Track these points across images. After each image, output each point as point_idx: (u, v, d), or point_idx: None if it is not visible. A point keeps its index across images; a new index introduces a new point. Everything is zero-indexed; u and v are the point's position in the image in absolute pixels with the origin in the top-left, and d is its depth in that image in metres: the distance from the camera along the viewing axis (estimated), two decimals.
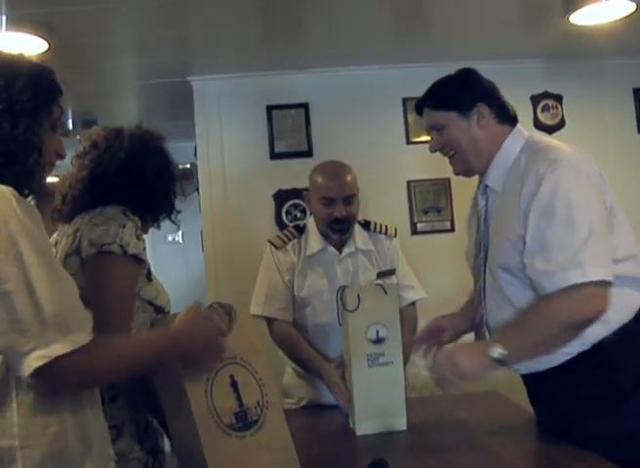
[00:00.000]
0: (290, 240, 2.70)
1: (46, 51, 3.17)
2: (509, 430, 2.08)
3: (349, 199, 2.60)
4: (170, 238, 6.09)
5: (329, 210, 2.58)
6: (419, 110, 2.08)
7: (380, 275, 2.32)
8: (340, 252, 2.67)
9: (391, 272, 2.30)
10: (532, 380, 1.96)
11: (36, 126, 1.39)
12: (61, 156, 1.50)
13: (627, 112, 4.50)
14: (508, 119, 1.98)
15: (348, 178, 2.62)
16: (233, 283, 4.15)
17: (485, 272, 1.97)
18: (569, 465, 1.66)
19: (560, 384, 1.84)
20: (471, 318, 2.09)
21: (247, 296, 4.05)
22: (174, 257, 6.06)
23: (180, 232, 6.07)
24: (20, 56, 1.45)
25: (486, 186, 1.98)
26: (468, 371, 1.78)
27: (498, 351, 1.72)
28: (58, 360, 1.24)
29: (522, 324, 1.78)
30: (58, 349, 1.24)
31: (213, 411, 1.53)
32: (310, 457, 1.81)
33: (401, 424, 2.17)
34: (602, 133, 4.30)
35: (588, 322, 1.70)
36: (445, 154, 2.04)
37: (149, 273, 1.95)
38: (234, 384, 1.60)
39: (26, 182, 1.36)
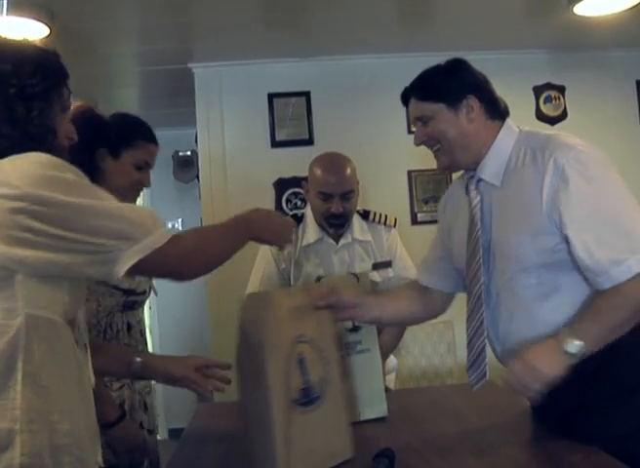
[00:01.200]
0: None
1: (47, 36, 3.15)
2: (505, 420, 2.08)
3: (347, 195, 2.55)
4: (169, 225, 6.08)
5: (326, 205, 2.55)
6: (404, 100, 1.99)
7: (376, 266, 2.29)
8: (337, 242, 2.66)
9: (387, 264, 2.27)
10: None
11: (49, 109, 1.41)
12: (73, 139, 1.51)
13: (630, 104, 4.50)
14: (499, 114, 1.89)
15: (347, 173, 2.57)
16: (233, 271, 4.14)
17: (486, 275, 1.87)
18: (565, 456, 1.66)
19: (563, 384, 1.72)
20: (386, 310, 2.08)
21: (246, 286, 4.07)
22: None
23: (180, 220, 6.07)
24: (25, 40, 1.46)
25: (479, 181, 1.88)
26: (552, 375, 1.65)
27: (575, 345, 1.62)
28: (157, 250, 1.35)
29: (592, 313, 1.68)
30: (158, 239, 1.35)
31: (285, 387, 1.61)
32: None
33: (382, 411, 2.15)
34: (604, 124, 4.29)
35: None
36: (430, 147, 1.93)
37: None
38: (302, 361, 1.67)
39: None
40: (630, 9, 3.40)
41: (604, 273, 1.64)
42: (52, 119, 1.42)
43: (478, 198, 1.88)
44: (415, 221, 4.31)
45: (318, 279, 2.12)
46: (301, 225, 2.69)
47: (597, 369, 1.73)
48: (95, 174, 1.98)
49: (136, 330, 2.10)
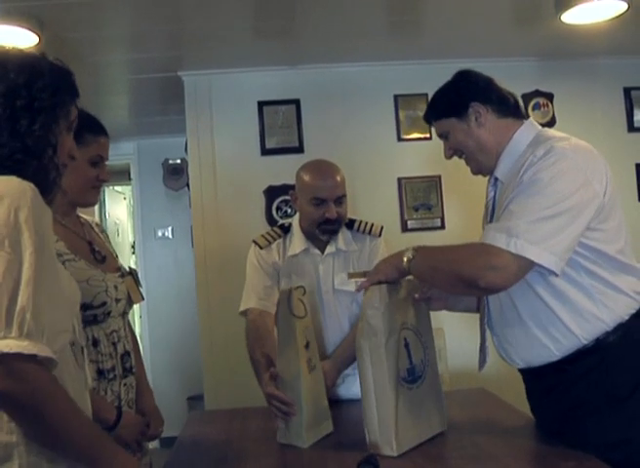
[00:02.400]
0: (274, 240, 2.65)
1: (36, 44, 3.15)
2: (498, 427, 2.08)
3: (340, 199, 2.54)
4: (160, 233, 6.08)
5: (320, 210, 2.51)
6: (428, 123, 2.14)
7: (352, 276, 2.26)
8: (323, 252, 2.62)
9: (362, 274, 2.22)
10: (529, 377, 1.97)
11: (53, 124, 1.40)
12: (74, 158, 1.50)
13: (618, 111, 4.52)
14: (511, 111, 1.99)
15: (338, 179, 2.55)
16: (223, 278, 4.14)
17: None
18: (558, 463, 1.66)
19: (556, 383, 1.85)
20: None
21: (236, 292, 4.07)
22: (163, 253, 6.05)
23: (170, 228, 6.06)
24: (42, 55, 1.47)
25: (496, 179, 2.00)
26: (382, 275, 1.94)
27: (410, 253, 1.88)
28: (16, 357, 1.17)
29: (441, 247, 1.88)
30: (17, 345, 1.17)
31: (396, 367, 1.89)
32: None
33: (329, 427, 2.12)
34: (592, 131, 4.30)
35: (475, 285, 1.73)
36: (460, 158, 2.08)
37: None
38: (407, 345, 1.96)
39: (43, 180, 1.36)
40: (617, 17, 3.43)
41: (486, 230, 1.79)
42: (55, 135, 1.41)
43: (492, 194, 2.02)
44: (405, 229, 4.30)
45: (289, 292, 2.08)
46: (288, 236, 2.66)
47: (588, 371, 1.78)
48: None
49: (104, 344, 1.99)
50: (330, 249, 2.62)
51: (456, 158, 2.08)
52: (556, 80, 4.43)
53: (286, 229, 2.68)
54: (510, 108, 1.99)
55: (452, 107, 2.01)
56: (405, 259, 1.87)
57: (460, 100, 1.99)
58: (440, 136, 2.09)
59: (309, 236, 2.62)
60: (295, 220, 2.69)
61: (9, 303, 1.19)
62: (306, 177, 2.57)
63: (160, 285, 5.78)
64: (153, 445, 2.16)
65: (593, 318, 1.77)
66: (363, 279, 2.02)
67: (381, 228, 2.71)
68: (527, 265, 1.70)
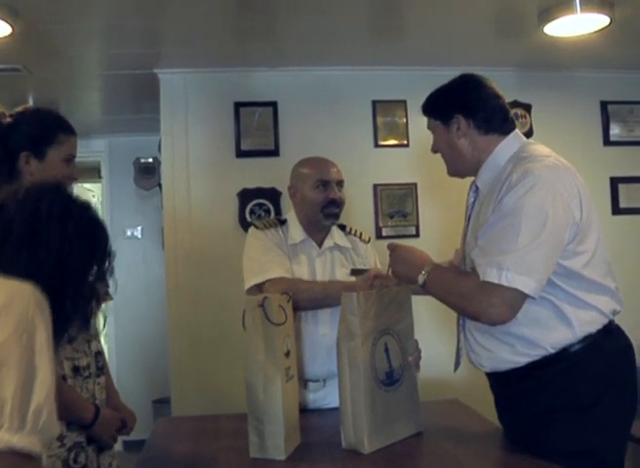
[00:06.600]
0: (272, 227, 2.67)
1: (9, 35, 3.08)
2: (471, 438, 2.07)
3: (340, 184, 2.65)
4: (128, 233, 6.00)
5: (325, 193, 2.59)
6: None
7: (354, 272, 2.28)
8: (320, 246, 2.66)
9: (364, 271, 2.25)
10: (496, 382, 2.01)
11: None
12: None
13: (594, 124, 4.56)
14: (495, 128, 2.00)
15: (337, 167, 2.68)
16: (194, 280, 4.09)
17: (463, 268, 2.06)
18: None
19: (522, 390, 1.88)
20: None
21: (208, 295, 4.01)
22: (132, 253, 5.95)
23: (140, 227, 5.99)
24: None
25: (477, 187, 2.04)
26: (398, 276, 2.09)
27: (423, 279, 1.94)
28: (16, 452, 1.10)
29: (453, 276, 1.98)
30: (26, 442, 1.11)
31: (373, 370, 1.96)
32: None
33: (298, 438, 2.06)
34: (569, 143, 4.31)
35: (479, 320, 1.85)
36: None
37: None
38: (387, 350, 2.04)
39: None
40: (599, 31, 3.45)
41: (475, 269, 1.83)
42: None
43: (472, 200, 2.08)
44: (379, 236, 4.27)
45: (264, 299, 2.02)
46: (285, 227, 2.68)
47: (554, 379, 1.82)
48: (18, 178, 1.94)
49: (79, 342, 1.98)
50: (328, 243, 2.68)
51: (432, 166, 2.11)
52: (535, 91, 4.45)
53: (282, 221, 2.72)
54: (495, 126, 2.00)
55: (438, 111, 2.07)
56: (420, 281, 1.95)
57: (446, 108, 2.04)
58: (429, 128, 2.14)
59: (307, 230, 2.66)
60: (290, 215, 2.73)
61: (23, 396, 1.13)
62: (307, 166, 2.68)
63: (127, 284, 5.68)
64: (116, 447, 2.11)
65: (560, 332, 1.81)
66: (364, 276, 2.17)
67: (369, 237, 2.83)
68: (520, 297, 1.75)
